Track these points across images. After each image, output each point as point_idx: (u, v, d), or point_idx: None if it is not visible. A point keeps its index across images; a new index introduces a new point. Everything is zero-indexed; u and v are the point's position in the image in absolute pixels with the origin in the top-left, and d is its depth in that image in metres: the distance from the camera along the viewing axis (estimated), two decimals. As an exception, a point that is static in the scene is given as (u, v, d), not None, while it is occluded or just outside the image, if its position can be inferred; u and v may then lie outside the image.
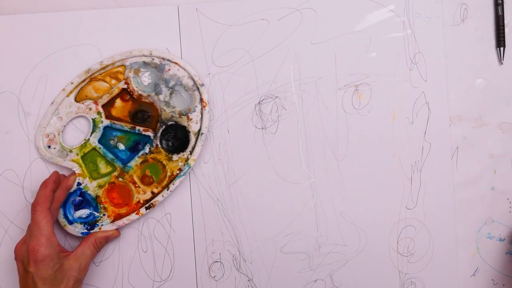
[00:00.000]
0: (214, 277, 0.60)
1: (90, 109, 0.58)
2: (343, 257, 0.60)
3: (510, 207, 0.60)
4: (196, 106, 0.58)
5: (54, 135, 0.58)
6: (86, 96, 0.58)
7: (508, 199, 0.60)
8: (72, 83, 0.58)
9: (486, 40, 0.60)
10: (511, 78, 0.60)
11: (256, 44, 0.59)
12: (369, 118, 0.60)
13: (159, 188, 0.58)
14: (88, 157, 0.58)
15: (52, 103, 0.58)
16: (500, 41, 0.59)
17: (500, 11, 0.59)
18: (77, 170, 0.58)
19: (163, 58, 0.58)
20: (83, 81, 0.58)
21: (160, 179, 0.58)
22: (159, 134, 0.58)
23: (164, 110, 0.58)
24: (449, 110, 0.60)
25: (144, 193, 0.58)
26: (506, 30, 0.59)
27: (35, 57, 0.58)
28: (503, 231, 0.60)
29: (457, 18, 0.60)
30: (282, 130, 0.60)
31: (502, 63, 0.60)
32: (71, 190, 0.57)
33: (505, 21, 0.59)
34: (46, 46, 0.58)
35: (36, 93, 0.58)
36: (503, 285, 0.60)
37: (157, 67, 0.58)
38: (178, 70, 0.58)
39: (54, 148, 0.58)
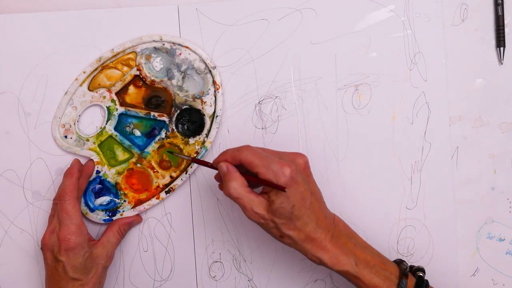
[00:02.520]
0: (214, 277, 0.60)
1: (104, 97, 0.58)
2: (343, 257, 0.60)
3: (510, 207, 0.60)
4: (209, 89, 0.58)
5: (70, 125, 0.58)
6: (99, 84, 0.58)
7: (508, 199, 0.60)
8: (84, 72, 0.58)
9: (486, 40, 0.60)
10: (511, 78, 0.60)
11: (256, 44, 0.59)
12: (369, 118, 0.60)
13: (178, 172, 0.58)
14: (105, 145, 0.58)
15: (66, 93, 0.58)
16: (500, 41, 0.59)
17: (500, 11, 0.59)
18: (95, 158, 0.58)
19: (173, 43, 0.58)
20: (95, 69, 0.58)
21: (178, 163, 0.59)
22: (174, 119, 0.58)
23: (178, 94, 0.58)
24: (449, 110, 0.60)
25: (163, 177, 0.59)
26: (506, 30, 0.59)
27: (35, 57, 0.58)
28: (503, 231, 0.60)
29: (457, 18, 0.60)
30: (282, 130, 0.60)
31: (502, 63, 0.60)
32: (91, 179, 0.58)
33: (505, 21, 0.59)
34: (46, 46, 0.58)
35: (36, 93, 0.58)
36: (503, 285, 0.60)
37: (168, 52, 0.58)
38: (189, 54, 0.58)
39: (71, 138, 0.58)
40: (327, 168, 0.60)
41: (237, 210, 0.60)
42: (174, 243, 0.60)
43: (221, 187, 0.52)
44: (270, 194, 0.49)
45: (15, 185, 0.58)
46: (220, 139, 0.59)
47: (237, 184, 0.49)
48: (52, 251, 0.53)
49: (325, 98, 0.60)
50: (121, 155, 0.59)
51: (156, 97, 0.59)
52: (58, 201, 0.54)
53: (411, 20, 0.59)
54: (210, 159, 0.59)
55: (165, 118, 0.58)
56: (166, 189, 0.59)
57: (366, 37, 0.59)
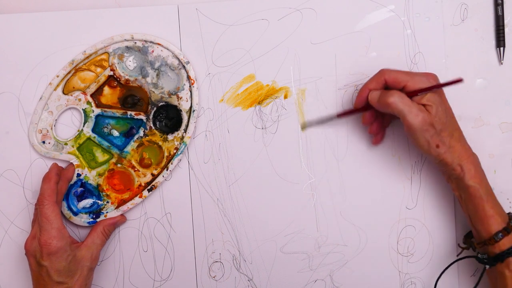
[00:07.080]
0: (214, 277, 0.60)
1: (79, 100, 0.58)
2: (343, 257, 0.60)
3: (510, 207, 0.60)
4: (184, 84, 0.58)
5: (47, 130, 0.58)
6: (74, 87, 0.58)
7: (508, 199, 0.60)
8: (57, 76, 0.58)
9: (486, 40, 0.60)
10: (511, 78, 0.60)
11: (256, 44, 0.59)
12: (369, 118, 0.59)
13: (158, 169, 0.59)
14: (84, 148, 0.58)
15: (41, 98, 0.58)
16: (500, 41, 0.59)
17: (500, 11, 0.59)
18: (75, 161, 0.58)
19: (145, 41, 0.58)
20: (69, 72, 0.58)
21: (158, 160, 0.59)
22: (151, 116, 0.58)
23: (153, 92, 0.58)
24: (449, 110, 0.60)
25: (145, 176, 0.59)
26: (506, 30, 0.59)
27: (35, 57, 0.58)
28: (503, 231, 0.60)
29: (457, 18, 0.60)
30: (282, 130, 0.60)
31: (502, 63, 0.60)
32: (72, 182, 0.58)
33: (505, 21, 0.59)
34: (46, 46, 0.58)
35: (36, 93, 0.58)
36: (503, 285, 0.60)
37: (141, 50, 0.58)
38: (161, 50, 0.58)
39: (49, 143, 0.58)
40: (327, 168, 0.60)
41: (237, 210, 0.60)
42: (174, 243, 0.60)
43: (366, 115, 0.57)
44: (425, 103, 0.52)
45: (15, 185, 0.58)
46: (220, 139, 0.59)
47: (398, 97, 0.52)
48: (34, 256, 0.53)
49: (325, 98, 0.60)
50: (100, 156, 0.59)
51: (132, 96, 0.59)
52: (37, 206, 0.54)
53: (411, 20, 0.59)
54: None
55: (142, 117, 0.59)
56: (149, 187, 0.59)
57: (366, 37, 0.59)
